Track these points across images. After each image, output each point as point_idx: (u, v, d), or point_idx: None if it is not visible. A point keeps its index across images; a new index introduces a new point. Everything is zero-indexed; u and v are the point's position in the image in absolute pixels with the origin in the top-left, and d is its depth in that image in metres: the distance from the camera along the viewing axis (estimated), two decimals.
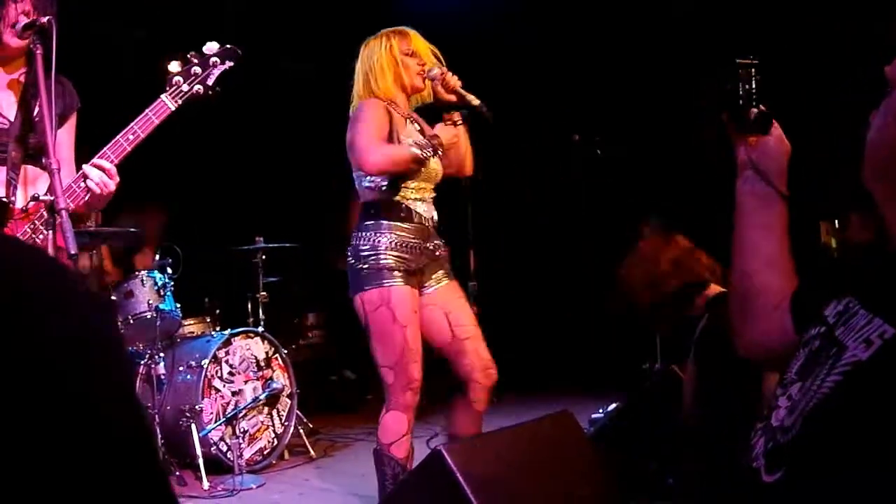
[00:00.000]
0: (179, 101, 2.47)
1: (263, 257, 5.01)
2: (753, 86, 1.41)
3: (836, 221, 4.81)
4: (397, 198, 3.02)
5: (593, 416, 4.42)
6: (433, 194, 3.17)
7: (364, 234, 3.01)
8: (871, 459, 0.93)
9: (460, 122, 3.14)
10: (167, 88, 2.47)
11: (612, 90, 6.36)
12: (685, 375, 2.66)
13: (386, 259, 2.95)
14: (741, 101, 1.41)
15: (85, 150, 2.52)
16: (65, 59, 2.38)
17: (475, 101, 3.10)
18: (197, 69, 2.50)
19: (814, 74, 4.98)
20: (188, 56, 2.51)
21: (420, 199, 3.09)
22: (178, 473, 4.14)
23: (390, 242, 2.97)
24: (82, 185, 2.35)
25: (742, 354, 1.44)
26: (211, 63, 2.51)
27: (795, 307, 1.29)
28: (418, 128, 3.18)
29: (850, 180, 1.17)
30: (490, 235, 5.78)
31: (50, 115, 2.24)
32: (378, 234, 2.98)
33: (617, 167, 5.41)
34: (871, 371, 0.97)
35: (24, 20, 2.38)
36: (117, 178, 2.40)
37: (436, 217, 3.17)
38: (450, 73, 3.12)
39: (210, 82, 2.52)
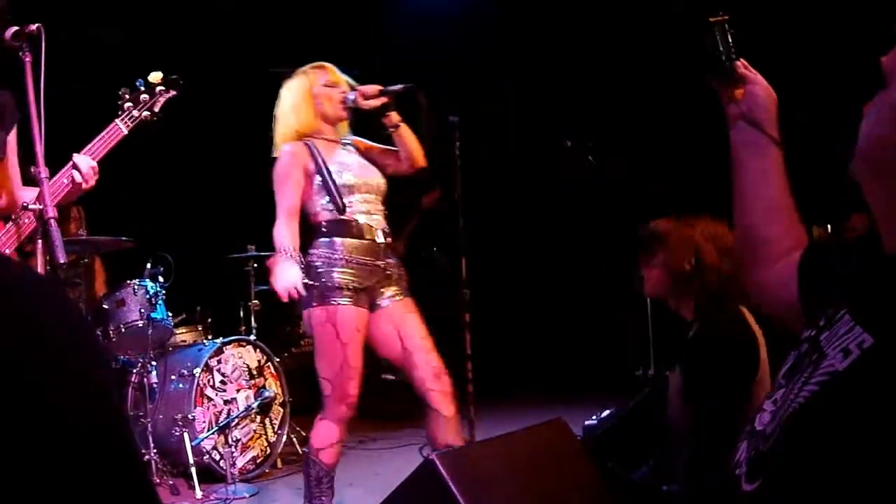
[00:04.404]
0: (130, 125, 2.60)
1: (255, 266, 5.00)
2: (730, 40, 1.43)
3: (829, 226, 4.82)
4: (345, 216, 3.10)
5: (587, 422, 4.40)
6: (381, 207, 3.23)
7: (317, 251, 3.09)
8: (845, 474, 0.89)
9: (399, 121, 3.20)
10: (119, 114, 2.60)
11: (604, 95, 6.38)
12: (672, 381, 2.66)
13: (337, 277, 3.04)
14: (723, 57, 1.43)
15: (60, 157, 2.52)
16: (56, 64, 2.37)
17: (398, 87, 3.15)
18: (145, 96, 2.65)
19: (814, 75, 4.99)
20: (136, 84, 2.65)
21: (367, 213, 3.15)
22: (171, 482, 4.11)
23: (343, 260, 3.06)
24: (65, 180, 2.40)
25: (752, 298, 1.44)
26: (157, 91, 2.67)
27: (802, 274, 1.26)
28: (352, 149, 3.28)
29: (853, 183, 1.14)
30: (482, 243, 5.77)
31: (39, 124, 2.23)
32: (331, 252, 3.07)
33: (609, 173, 5.41)
34: (847, 383, 0.93)
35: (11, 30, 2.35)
36: (97, 177, 2.47)
37: (387, 230, 3.21)
38: (363, 87, 3.19)
39: (157, 109, 2.67)
